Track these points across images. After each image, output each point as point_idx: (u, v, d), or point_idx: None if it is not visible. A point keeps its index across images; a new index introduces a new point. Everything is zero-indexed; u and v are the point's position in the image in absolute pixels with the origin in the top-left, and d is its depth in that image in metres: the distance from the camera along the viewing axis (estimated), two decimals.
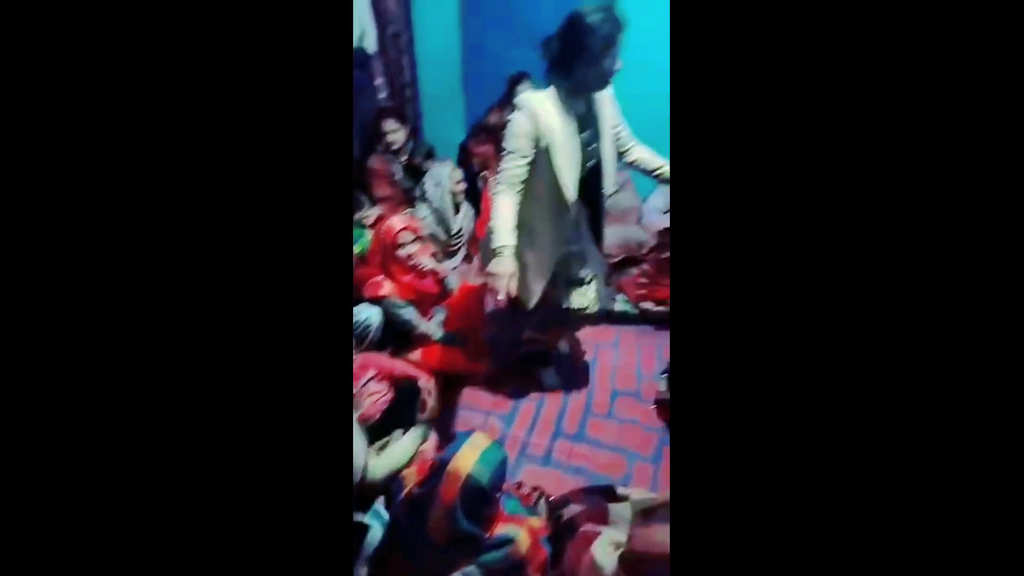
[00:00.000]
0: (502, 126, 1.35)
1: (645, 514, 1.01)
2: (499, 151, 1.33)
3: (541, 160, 1.28)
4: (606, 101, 1.37)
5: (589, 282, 1.58)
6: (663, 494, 1.38)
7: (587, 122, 1.34)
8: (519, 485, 1.47)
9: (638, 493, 1.33)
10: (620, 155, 1.50)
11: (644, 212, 2.49)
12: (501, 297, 1.23)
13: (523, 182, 1.28)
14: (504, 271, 1.23)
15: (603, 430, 1.80)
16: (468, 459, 0.94)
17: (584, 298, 1.59)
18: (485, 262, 1.47)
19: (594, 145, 1.36)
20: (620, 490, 1.37)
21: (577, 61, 1.20)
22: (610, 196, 2.38)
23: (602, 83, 1.29)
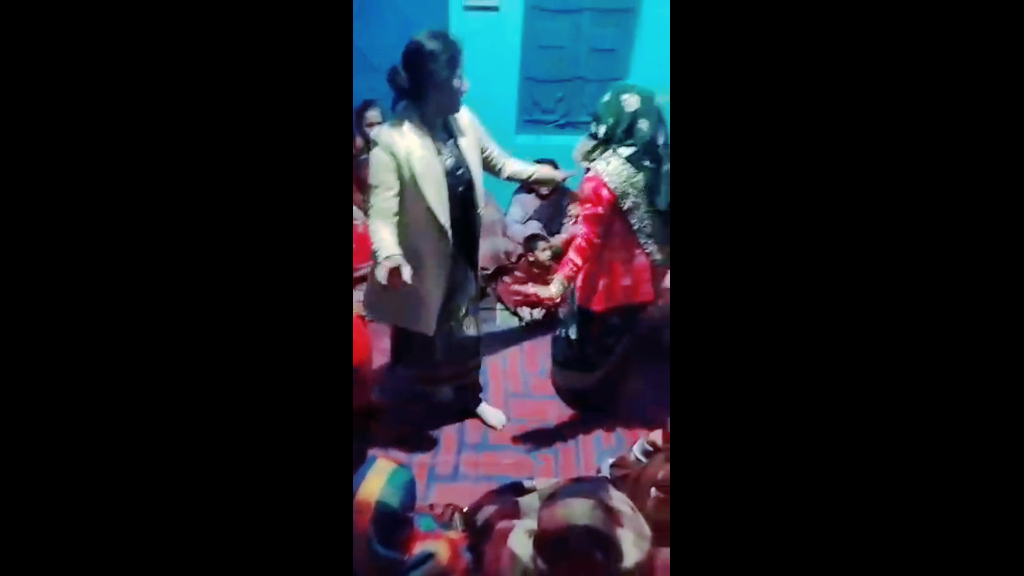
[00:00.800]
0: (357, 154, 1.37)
1: (550, 497, 1.10)
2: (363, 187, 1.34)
3: (410, 191, 1.31)
4: (468, 124, 1.43)
5: (466, 313, 1.63)
6: (564, 479, 1.50)
7: (450, 147, 1.39)
8: (431, 506, 1.49)
9: (543, 483, 1.43)
10: (496, 173, 1.60)
11: (507, 224, 2.65)
12: (406, 277, 1.21)
13: (395, 214, 1.30)
14: (395, 263, 1.22)
15: (503, 433, 1.88)
16: (375, 486, 0.95)
17: (472, 325, 1.64)
18: (372, 292, 1.46)
19: (462, 169, 1.41)
20: (527, 483, 1.45)
21: (425, 88, 1.26)
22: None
23: (454, 106, 1.34)
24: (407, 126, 1.29)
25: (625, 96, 1.39)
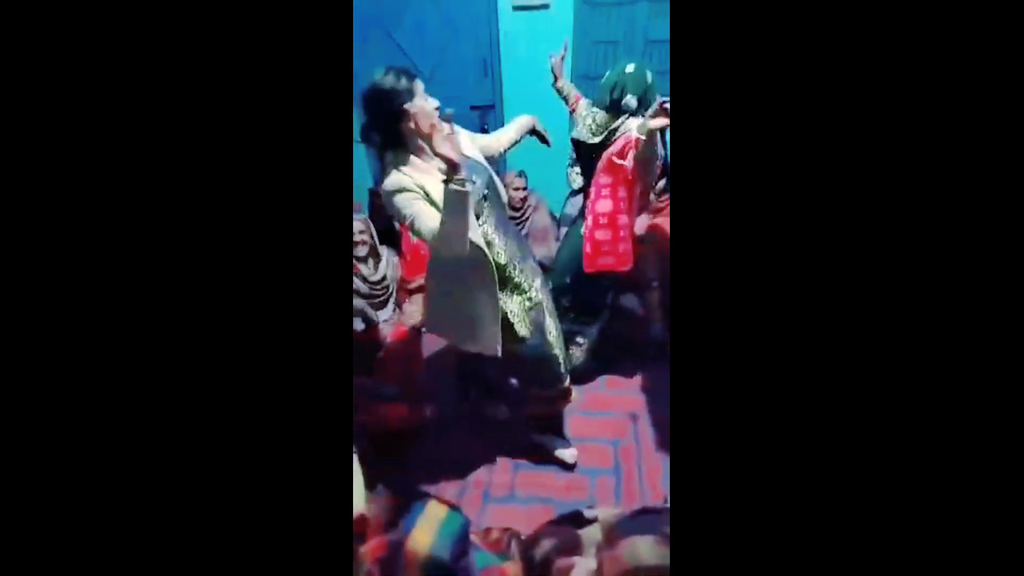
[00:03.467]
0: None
1: (608, 536, 1.01)
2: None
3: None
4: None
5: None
6: (626, 507, 1.40)
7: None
8: (487, 532, 1.43)
9: (605, 512, 1.34)
10: (497, 157, 1.53)
11: (560, 229, 2.56)
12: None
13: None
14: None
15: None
16: (425, 536, 0.90)
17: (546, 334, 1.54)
18: (434, 309, 1.40)
19: (476, 179, 1.30)
20: (587, 513, 1.37)
21: (399, 129, 1.19)
22: (527, 216, 2.42)
23: (430, 127, 1.22)
24: (406, 168, 1.21)
25: (647, 72, 1.62)
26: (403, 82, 1.16)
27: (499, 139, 1.55)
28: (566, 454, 1.75)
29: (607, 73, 1.68)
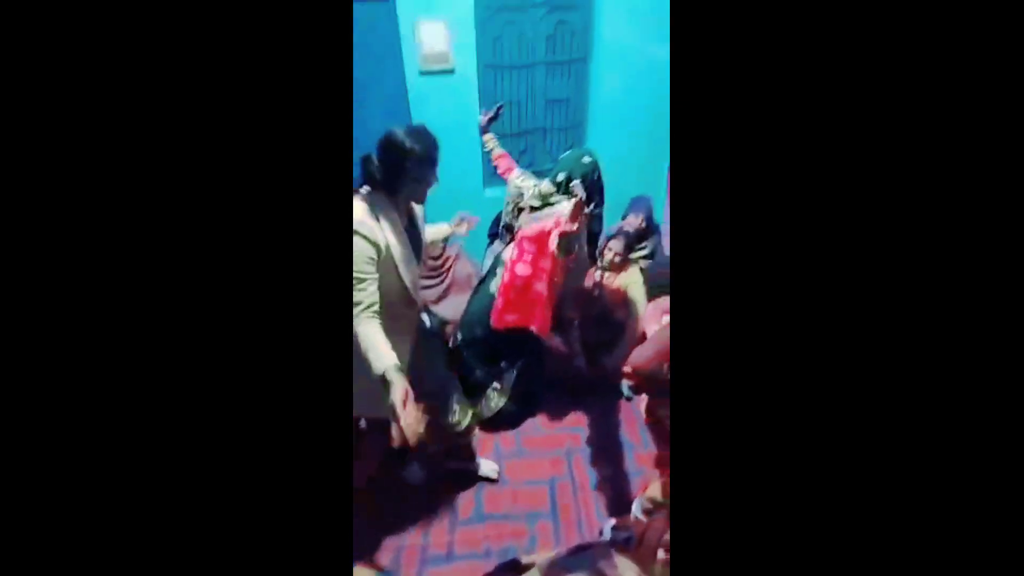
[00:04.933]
0: None
1: (548, 572, 1.00)
2: None
3: (384, 276, 1.26)
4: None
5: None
6: (562, 548, 1.39)
7: (412, 226, 1.38)
8: None
9: (541, 557, 1.32)
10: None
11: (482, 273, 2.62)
12: (419, 433, 1.11)
13: (376, 304, 1.21)
14: (403, 395, 1.11)
15: (498, 502, 1.76)
16: None
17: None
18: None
19: (422, 253, 1.40)
20: (524, 559, 1.34)
21: (401, 181, 1.24)
22: (448, 267, 2.47)
23: (422, 198, 1.34)
24: (379, 214, 1.25)
25: (584, 158, 1.78)
26: (424, 147, 1.21)
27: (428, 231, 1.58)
28: (487, 469, 1.84)
29: (564, 154, 1.85)
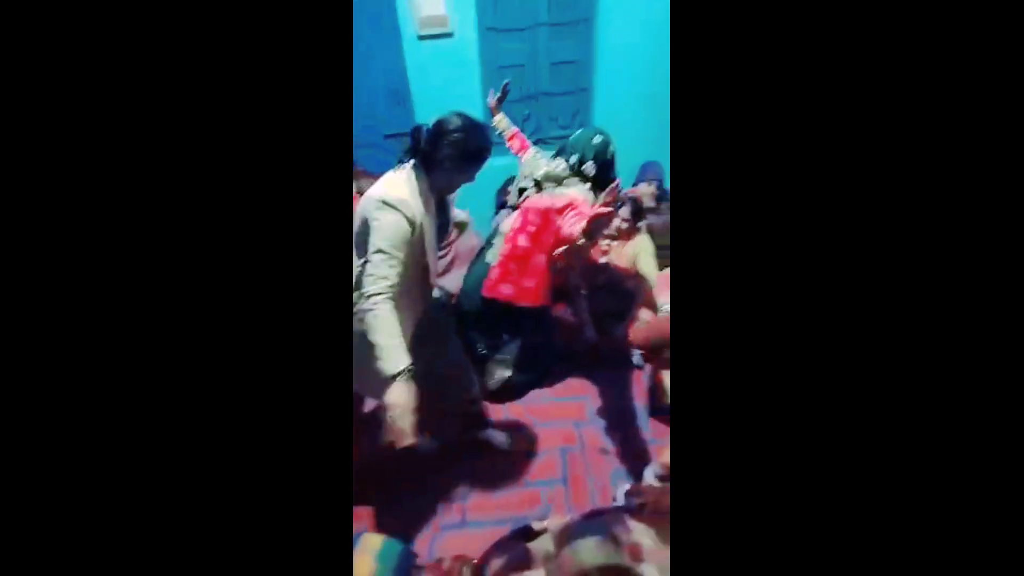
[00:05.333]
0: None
1: (557, 544, 1.00)
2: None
3: (410, 253, 1.21)
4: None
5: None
6: (577, 515, 1.40)
7: (440, 211, 1.35)
8: (438, 563, 1.37)
9: (553, 522, 1.32)
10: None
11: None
12: (407, 442, 1.09)
13: (396, 284, 1.16)
14: (405, 403, 1.09)
15: (507, 470, 1.78)
16: (365, 566, 0.85)
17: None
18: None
19: (447, 230, 1.41)
20: (535, 525, 1.34)
21: (447, 164, 1.20)
22: (452, 240, 2.44)
23: (456, 189, 1.31)
24: (415, 190, 1.21)
25: (612, 148, 1.71)
26: (485, 144, 1.21)
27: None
28: (499, 440, 1.82)
29: (575, 134, 1.75)
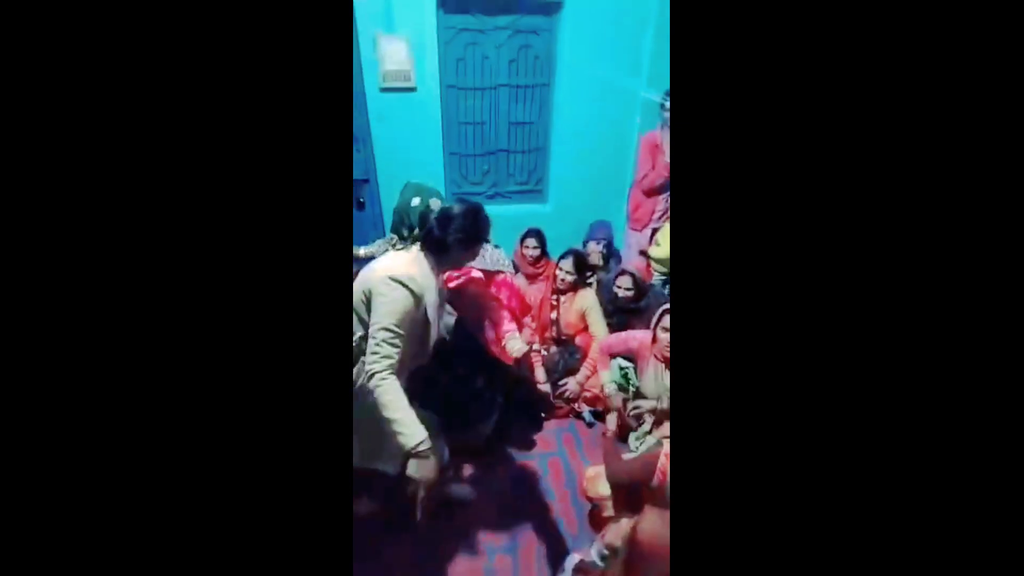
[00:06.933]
0: None
1: None
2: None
3: (413, 328, 1.25)
4: None
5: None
6: None
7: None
8: None
9: None
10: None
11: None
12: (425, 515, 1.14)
13: (397, 361, 1.18)
14: (427, 477, 1.13)
15: (460, 533, 1.68)
16: None
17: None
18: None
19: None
20: None
21: (458, 249, 1.25)
22: None
23: (462, 265, 1.39)
24: (423, 268, 1.26)
25: (414, 200, 1.34)
26: (487, 228, 1.28)
27: None
28: (462, 492, 1.82)
29: (398, 203, 1.40)
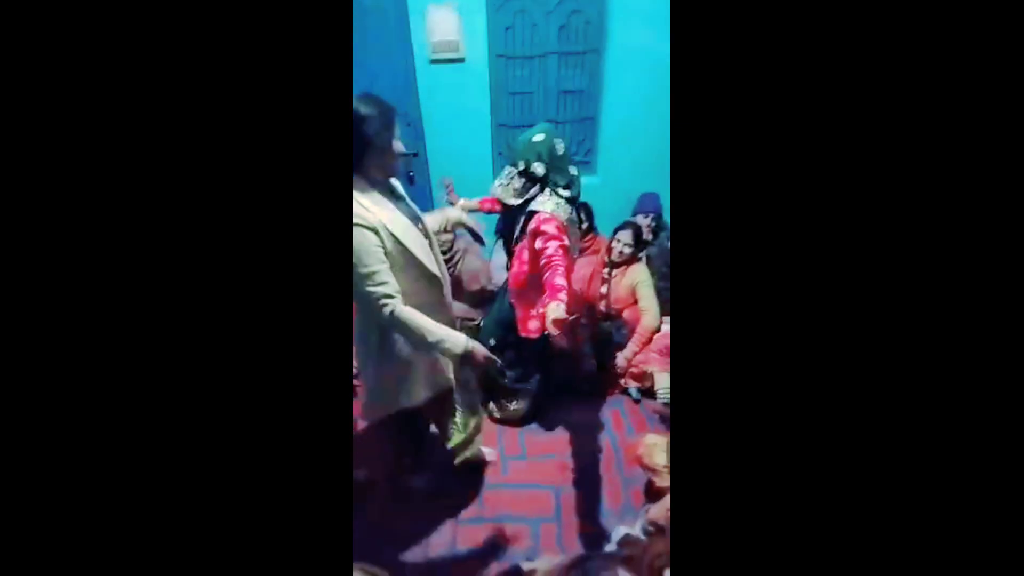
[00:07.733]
0: None
1: None
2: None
3: (394, 258, 1.19)
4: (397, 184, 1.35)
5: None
6: (568, 556, 1.38)
7: (401, 204, 1.28)
8: None
9: (544, 563, 1.30)
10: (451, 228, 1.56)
11: (491, 270, 2.59)
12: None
13: (399, 291, 1.16)
14: (487, 358, 1.23)
15: (501, 501, 1.76)
16: None
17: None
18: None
19: (419, 222, 1.31)
20: (525, 565, 1.33)
21: (365, 153, 1.15)
22: (456, 260, 2.43)
23: (395, 168, 1.24)
24: (361, 195, 1.17)
25: (557, 141, 1.52)
26: (379, 111, 1.13)
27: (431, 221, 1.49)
28: (485, 454, 1.88)
29: (518, 138, 1.59)
